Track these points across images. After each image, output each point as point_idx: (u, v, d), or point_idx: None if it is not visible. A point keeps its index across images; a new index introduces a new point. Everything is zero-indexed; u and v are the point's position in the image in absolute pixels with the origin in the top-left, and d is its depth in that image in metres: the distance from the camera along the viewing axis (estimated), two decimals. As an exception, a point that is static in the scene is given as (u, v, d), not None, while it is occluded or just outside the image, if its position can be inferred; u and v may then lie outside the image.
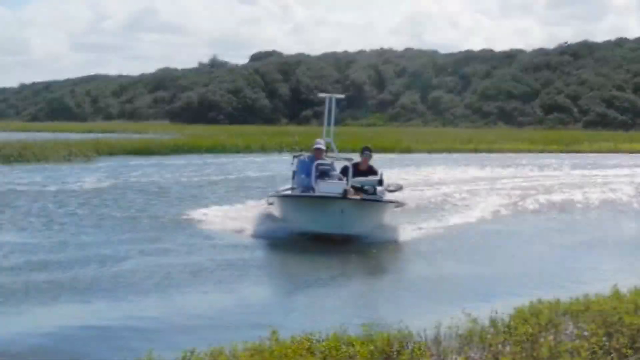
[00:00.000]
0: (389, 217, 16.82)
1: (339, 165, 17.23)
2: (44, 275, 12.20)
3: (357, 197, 15.44)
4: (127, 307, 10.47)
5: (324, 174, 16.29)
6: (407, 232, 16.65)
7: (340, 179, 16.10)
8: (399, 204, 17.05)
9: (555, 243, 16.66)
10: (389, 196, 16.24)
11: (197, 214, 19.45)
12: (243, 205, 21.62)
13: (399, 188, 16.69)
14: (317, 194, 15.57)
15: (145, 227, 17.51)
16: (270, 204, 18.32)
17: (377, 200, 15.74)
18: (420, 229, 17.59)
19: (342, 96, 21.25)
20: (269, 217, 17.83)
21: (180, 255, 14.02)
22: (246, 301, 11.04)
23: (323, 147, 17.37)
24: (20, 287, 11.42)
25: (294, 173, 17.90)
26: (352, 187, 15.70)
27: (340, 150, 20.10)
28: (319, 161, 16.78)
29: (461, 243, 16.10)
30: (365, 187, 15.71)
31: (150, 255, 13.96)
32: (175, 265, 13.10)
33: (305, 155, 17.69)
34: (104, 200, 22.30)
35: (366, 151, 17.18)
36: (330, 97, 18.95)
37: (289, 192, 17.49)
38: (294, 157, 18.44)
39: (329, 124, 18.74)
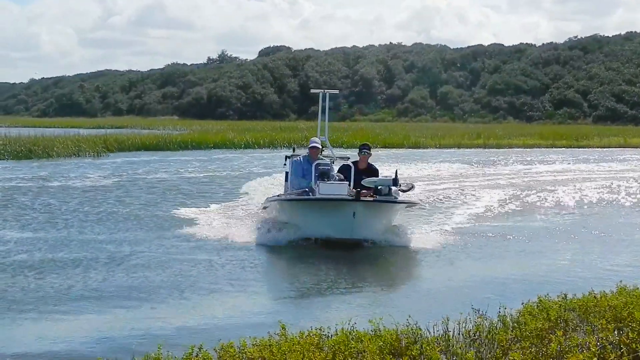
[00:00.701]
0: (399, 217, 16.17)
1: (335, 165, 16.30)
2: (48, 276, 12.16)
3: (370, 198, 14.51)
4: (136, 306, 10.48)
5: (323, 175, 15.06)
6: (418, 232, 16.08)
7: (341, 180, 15.10)
8: (412, 204, 16.16)
9: (566, 239, 16.60)
10: (402, 196, 15.01)
11: (197, 213, 19.24)
12: (243, 203, 21.52)
13: (410, 187, 15.40)
14: (320, 196, 14.46)
15: (148, 225, 17.37)
16: (265, 207, 17.38)
17: (391, 201, 14.61)
18: (431, 228, 17.13)
19: (336, 91, 20.10)
20: (266, 220, 16.74)
21: (180, 258, 13.65)
22: (255, 301, 11.06)
23: (319, 145, 16.33)
24: (25, 288, 11.45)
25: (287, 174, 16.95)
26: (365, 187, 14.75)
27: (349, 146, 19.87)
28: (318, 161, 15.71)
29: (474, 242, 15.78)
30: (380, 187, 14.54)
31: (152, 256, 13.79)
32: (176, 266, 12.97)
33: (300, 155, 16.50)
34: (108, 198, 22.25)
35: (365, 149, 16.07)
36: (324, 93, 17.78)
37: (287, 195, 16.13)
38: (287, 157, 17.30)
39: (323, 121, 17.64)
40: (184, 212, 19.51)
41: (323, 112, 17.71)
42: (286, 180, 17.01)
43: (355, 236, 14.34)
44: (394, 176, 14.73)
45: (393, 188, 14.54)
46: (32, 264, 12.80)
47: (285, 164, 17.29)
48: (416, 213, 18.94)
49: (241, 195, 23.81)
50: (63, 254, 13.72)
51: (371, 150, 16.29)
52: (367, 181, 14.81)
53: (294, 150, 17.53)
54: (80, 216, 18.52)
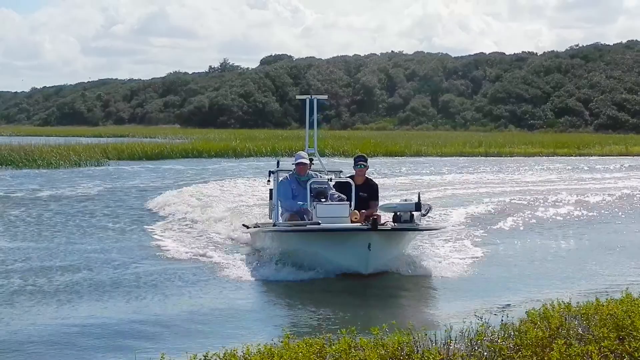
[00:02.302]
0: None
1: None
2: (43, 287, 12.06)
3: (387, 226, 12.49)
4: (134, 314, 10.49)
5: (320, 195, 13.18)
6: (433, 256, 14.38)
7: (341, 199, 13.26)
8: (435, 229, 14.37)
9: (572, 246, 16.59)
10: (424, 222, 12.95)
11: (181, 226, 18.62)
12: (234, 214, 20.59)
13: (428, 209, 12.95)
14: (326, 225, 12.39)
15: (132, 242, 16.55)
16: (250, 234, 15.73)
17: (413, 229, 12.62)
18: (442, 249, 15.55)
19: (324, 97, 18.00)
20: (259, 251, 14.69)
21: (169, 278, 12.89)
22: (255, 310, 11.16)
23: (306, 161, 14.24)
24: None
25: (271, 192, 15.22)
26: (364, 207, 13.32)
27: (350, 155, 18.80)
28: (314, 179, 13.76)
29: (480, 247, 15.65)
30: (399, 213, 12.41)
31: (135, 274, 13.10)
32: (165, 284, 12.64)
33: (286, 174, 14.58)
34: (102, 208, 22.04)
35: (361, 161, 14.18)
36: (312, 99, 15.83)
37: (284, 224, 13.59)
38: (271, 172, 15.41)
39: (311, 129, 15.71)
40: (170, 227, 18.81)
41: (311, 120, 15.78)
42: (270, 198, 15.39)
43: (370, 271, 12.37)
44: (416, 199, 12.54)
45: (415, 213, 12.51)
46: (21, 276, 12.62)
47: (268, 181, 15.42)
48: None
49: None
50: (56, 268, 13.40)
51: (368, 162, 14.51)
52: (385, 206, 13.15)
53: (278, 165, 15.53)
54: (72, 229, 18.24)
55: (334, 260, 12.48)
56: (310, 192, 13.37)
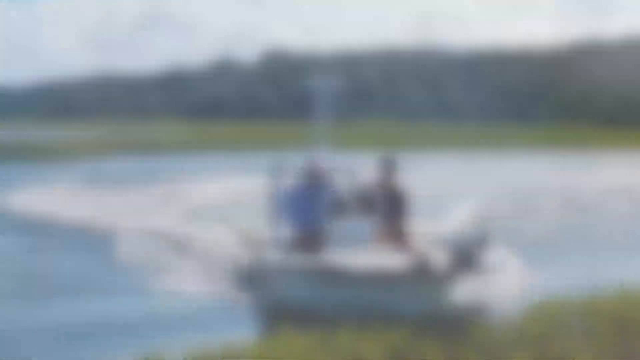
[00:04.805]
0: None
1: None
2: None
3: (438, 266, 9.43)
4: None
5: (337, 207, 10.58)
6: None
7: (363, 214, 10.69)
8: (498, 270, 10.20)
9: (569, 243, 16.56)
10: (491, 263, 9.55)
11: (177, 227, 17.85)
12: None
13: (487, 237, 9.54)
14: (361, 267, 9.62)
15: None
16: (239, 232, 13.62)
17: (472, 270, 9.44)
18: None
19: (340, 82, 14.83)
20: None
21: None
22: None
23: (319, 164, 11.80)
24: None
25: (271, 197, 12.15)
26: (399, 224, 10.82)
27: (349, 149, 17.76)
28: (330, 188, 11.07)
29: None
30: (456, 248, 9.37)
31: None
32: None
33: (294, 179, 11.84)
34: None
35: (389, 163, 11.43)
36: (323, 84, 13.11)
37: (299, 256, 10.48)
38: (271, 175, 12.27)
39: (321, 121, 12.84)
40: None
41: (321, 109, 12.93)
42: (270, 204, 12.12)
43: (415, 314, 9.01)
44: (480, 230, 9.67)
45: (477, 249, 9.35)
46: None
47: (268, 182, 12.30)
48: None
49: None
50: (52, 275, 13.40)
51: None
52: (439, 238, 10.16)
53: (279, 163, 12.49)
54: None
55: (368, 304, 9.44)
56: (326, 203, 10.67)
